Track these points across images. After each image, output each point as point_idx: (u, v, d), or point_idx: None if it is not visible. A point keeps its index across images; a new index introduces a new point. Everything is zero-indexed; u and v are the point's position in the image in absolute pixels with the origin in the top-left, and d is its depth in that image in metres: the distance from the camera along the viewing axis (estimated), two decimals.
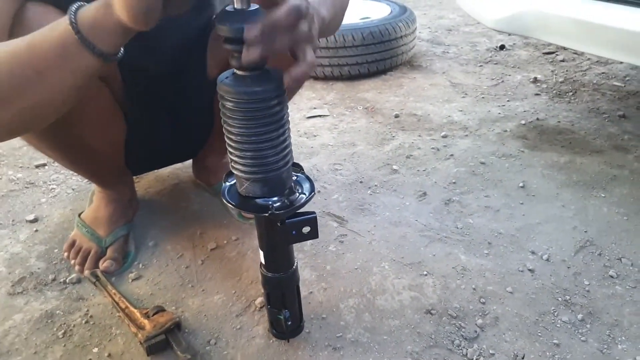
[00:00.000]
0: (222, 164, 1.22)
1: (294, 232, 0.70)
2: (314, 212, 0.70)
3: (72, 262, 1.03)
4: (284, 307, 0.78)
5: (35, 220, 1.20)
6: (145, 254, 1.08)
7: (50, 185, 1.35)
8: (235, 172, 0.66)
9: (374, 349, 0.84)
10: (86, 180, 1.35)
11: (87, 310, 0.93)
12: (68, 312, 0.93)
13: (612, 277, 0.98)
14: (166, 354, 0.83)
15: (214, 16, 0.93)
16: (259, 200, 0.67)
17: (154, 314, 0.87)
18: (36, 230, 1.17)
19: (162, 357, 0.83)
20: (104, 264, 1.00)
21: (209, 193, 1.26)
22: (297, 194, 0.70)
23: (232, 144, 0.64)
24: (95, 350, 0.85)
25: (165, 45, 0.94)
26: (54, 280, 1.01)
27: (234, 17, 0.56)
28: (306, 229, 0.70)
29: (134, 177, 1.23)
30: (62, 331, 0.89)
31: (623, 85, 1.84)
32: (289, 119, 0.66)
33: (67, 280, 1.01)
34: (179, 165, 1.38)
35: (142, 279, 1.01)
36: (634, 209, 1.17)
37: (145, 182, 1.33)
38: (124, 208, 1.12)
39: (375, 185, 1.30)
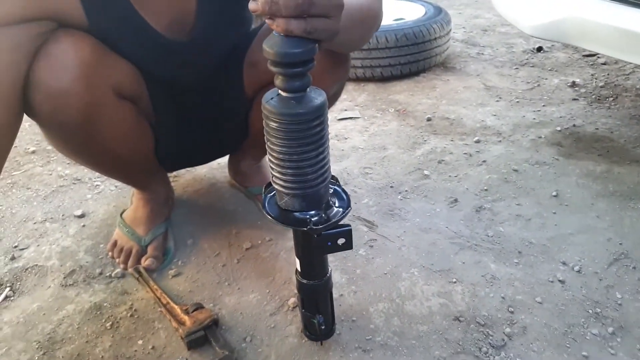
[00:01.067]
0: (256, 168, 1.26)
1: (329, 244, 0.73)
2: (349, 225, 0.73)
3: (117, 260, 1.09)
4: (318, 312, 0.82)
5: (82, 216, 1.27)
6: (184, 252, 1.13)
7: (95, 182, 1.42)
8: (275, 186, 0.70)
9: (403, 353, 0.87)
10: None
11: (132, 304, 0.99)
12: (114, 305, 1.00)
13: None
14: (205, 349, 0.88)
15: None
16: (297, 214, 0.70)
17: (193, 311, 0.92)
18: (83, 226, 1.24)
19: (201, 352, 0.88)
20: (146, 262, 1.06)
21: (244, 194, 1.31)
22: (334, 208, 0.73)
23: (274, 161, 0.67)
24: (140, 342, 0.91)
25: (202, 59, 0.98)
26: (100, 274, 1.08)
27: (280, 42, 0.59)
28: (341, 241, 0.73)
29: (171, 175, 1.29)
30: (110, 323, 0.96)
31: None
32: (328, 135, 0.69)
33: (113, 275, 1.07)
34: (215, 165, 1.43)
35: (182, 276, 1.07)
36: None
37: (184, 182, 1.39)
38: (160, 207, 1.17)
39: (406, 191, 1.32)
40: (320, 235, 0.72)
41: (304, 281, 0.80)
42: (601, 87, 1.89)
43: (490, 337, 0.90)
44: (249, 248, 1.13)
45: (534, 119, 1.68)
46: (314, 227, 0.69)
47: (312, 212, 0.71)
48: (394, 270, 1.05)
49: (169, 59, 0.93)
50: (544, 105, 1.77)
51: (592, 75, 2.00)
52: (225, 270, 1.08)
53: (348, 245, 0.74)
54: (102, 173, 1.11)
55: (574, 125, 1.62)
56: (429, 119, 1.70)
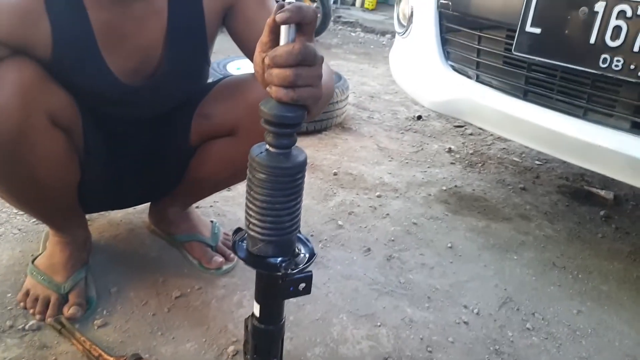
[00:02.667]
0: (183, 216, 1.25)
1: (291, 289, 0.78)
2: (310, 271, 0.79)
3: (31, 311, 1.00)
4: (273, 357, 0.84)
5: None
6: (108, 300, 1.07)
7: None
8: (252, 233, 0.74)
9: None
10: (33, 220, 1.30)
11: (55, 359, 0.91)
12: None
13: (529, 329, 1.17)
14: None
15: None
16: (269, 260, 0.74)
17: None
18: None
19: None
20: (70, 311, 0.98)
21: (166, 241, 1.28)
22: (300, 254, 0.78)
23: (255, 209, 0.71)
24: None
25: (153, 105, 0.99)
26: (11, 327, 0.97)
27: (276, 106, 0.65)
28: (302, 286, 0.78)
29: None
30: None
31: (520, 160, 2.17)
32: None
33: (27, 327, 0.97)
34: (130, 210, 1.38)
35: (109, 326, 1.01)
36: (539, 270, 1.40)
37: (99, 226, 1.31)
38: (79, 251, 1.10)
39: (325, 240, 1.41)
40: (285, 280, 0.77)
41: (261, 326, 0.82)
42: (471, 154, 2.22)
43: None
44: (178, 297, 1.11)
45: (423, 178, 1.91)
46: (286, 272, 0.73)
47: (280, 258, 0.76)
48: (324, 316, 1.12)
49: (119, 100, 0.93)
50: (428, 167, 2.03)
51: (463, 143, 2.34)
52: (157, 319, 1.04)
53: (307, 290, 0.79)
54: (20, 204, 1.00)
55: (456, 186, 1.87)
56: (335, 174, 1.83)
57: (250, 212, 0.73)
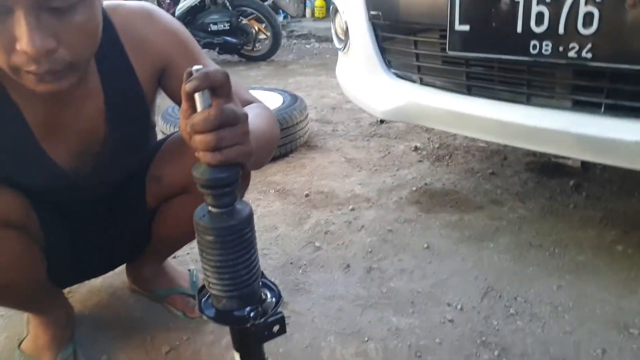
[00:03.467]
0: (160, 270, 1.27)
1: (265, 333, 0.80)
2: (281, 312, 0.81)
3: None
4: None
5: None
6: None
7: None
8: (213, 292, 0.76)
9: None
10: None
11: None
12: None
13: (512, 314, 1.21)
14: None
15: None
16: (236, 313, 0.77)
17: None
18: None
19: None
20: None
21: (147, 298, 1.29)
22: (268, 299, 0.81)
23: (211, 270, 0.73)
24: None
25: (102, 184, 1.00)
26: None
27: (206, 169, 0.67)
28: (276, 328, 0.81)
29: (65, 291, 1.23)
30: None
31: (487, 145, 2.22)
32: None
33: None
34: (109, 273, 1.39)
35: None
36: (517, 254, 1.44)
37: (80, 297, 1.32)
38: (63, 329, 1.11)
39: (305, 265, 1.44)
40: (257, 327, 0.79)
41: None
42: (437, 148, 2.26)
43: None
44: (168, 351, 1.13)
45: (393, 182, 1.95)
46: (255, 322, 0.75)
47: (248, 308, 0.78)
48: (312, 342, 1.14)
49: (69, 187, 0.93)
50: (397, 170, 2.06)
51: (428, 139, 2.38)
52: None
53: (282, 331, 0.81)
54: None
55: (425, 184, 1.91)
56: (307, 195, 1.86)
57: (207, 273, 0.75)
